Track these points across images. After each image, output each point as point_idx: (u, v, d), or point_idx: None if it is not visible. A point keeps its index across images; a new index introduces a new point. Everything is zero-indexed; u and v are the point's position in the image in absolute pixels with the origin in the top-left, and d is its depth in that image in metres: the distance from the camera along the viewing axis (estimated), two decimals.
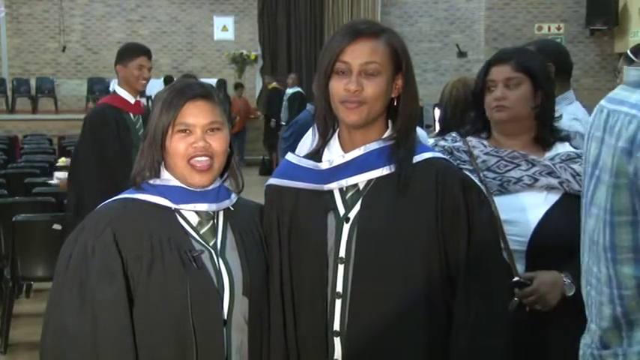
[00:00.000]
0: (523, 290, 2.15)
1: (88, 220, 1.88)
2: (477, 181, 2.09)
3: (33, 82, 15.48)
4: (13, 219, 5.06)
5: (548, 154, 2.32)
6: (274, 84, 14.16)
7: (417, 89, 1.90)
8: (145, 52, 4.49)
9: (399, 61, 1.86)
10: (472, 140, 2.40)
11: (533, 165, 2.28)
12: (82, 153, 4.46)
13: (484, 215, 1.87)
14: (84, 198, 4.23)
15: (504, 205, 2.24)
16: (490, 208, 1.94)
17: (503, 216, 2.22)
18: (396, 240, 1.83)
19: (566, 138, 2.38)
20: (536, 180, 2.26)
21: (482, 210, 1.86)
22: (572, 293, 2.14)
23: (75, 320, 1.78)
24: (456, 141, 2.42)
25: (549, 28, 14.17)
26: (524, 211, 2.26)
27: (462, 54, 14.67)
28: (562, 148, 2.33)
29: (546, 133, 2.33)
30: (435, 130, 4.73)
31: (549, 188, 2.26)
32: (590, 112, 3.17)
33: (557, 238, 2.18)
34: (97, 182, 4.16)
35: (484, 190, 2.01)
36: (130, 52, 4.48)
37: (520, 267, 2.22)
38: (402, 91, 1.87)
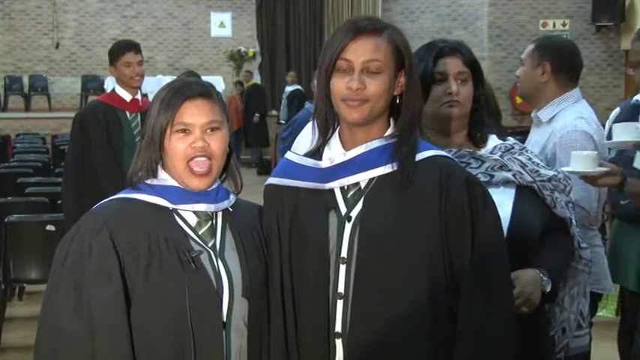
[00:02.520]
0: None
1: (84, 220, 1.86)
2: None
3: (26, 80, 15.47)
4: (6, 220, 5.03)
5: (486, 149, 2.27)
6: (252, 80, 14.80)
7: (419, 87, 1.89)
8: (130, 48, 4.47)
9: (402, 59, 1.85)
10: None
11: (483, 161, 2.23)
12: (70, 150, 4.55)
13: (489, 215, 1.85)
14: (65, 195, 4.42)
15: None
16: (495, 207, 1.88)
17: None
18: (399, 239, 1.81)
19: (491, 131, 2.34)
20: (492, 176, 2.21)
21: (486, 209, 1.84)
22: (549, 289, 2.15)
23: (71, 321, 1.76)
24: None
25: (554, 25, 14.16)
26: None
27: None
28: (493, 142, 2.29)
29: (481, 128, 2.28)
30: None
31: (504, 182, 2.21)
32: (594, 111, 3.03)
33: (529, 234, 2.18)
34: (76, 180, 4.30)
35: None
36: (115, 50, 4.50)
37: None
38: (405, 88, 1.86)
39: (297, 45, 16.32)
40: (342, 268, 1.84)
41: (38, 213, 5.32)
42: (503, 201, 2.16)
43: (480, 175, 2.15)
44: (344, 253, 1.85)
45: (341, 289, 1.84)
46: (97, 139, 4.35)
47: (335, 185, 1.88)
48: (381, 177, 1.85)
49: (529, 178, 2.21)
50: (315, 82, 2.03)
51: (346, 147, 1.89)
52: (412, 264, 1.80)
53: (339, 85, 1.82)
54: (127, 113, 4.46)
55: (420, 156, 1.86)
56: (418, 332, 1.80)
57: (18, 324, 5.37)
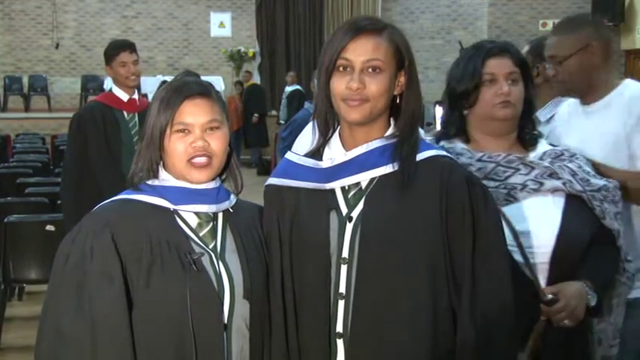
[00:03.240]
0: (553, 307, 2.07)
1: (85, 221, 1.85)
2: None
3: (26, 80, 15.45)
4: (5, 220, 5.01)
5: (534, 154, 2.24)
6: (252, 81, 14.77)
7: (419, 86, 1.88)
8: (124, 47, 4.45)
9: (402, 58, 1.85)
10: (452, 146, 2.23)
11: (532, 168, 2.18)
12: (67, 151, 4.56)
13: (490, 214, 1.84)
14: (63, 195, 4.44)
15: (515, 216, 2.13)
16: (496, 206, 1.89)
17: (517, 228, 2.11)
18: (400, 239, 1.80)
19: (541, 135, 2.32)
20: (542, 184, 2.16)
21: (487, 209, 1.84)
22: (594, 303, 2.10)
23: (72, 323, 1.75)
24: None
25: (554, 25, 14.03)
26: (538, 219, 2.14)
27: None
28: (542, 147, 2.26)
29: (530, 130, 2.25)
30: (436, 128, 4.70)
31: (553, 191, 2.16)
32: None
33: (578, 245, 2.13)
34: (75, 180, 4.30)
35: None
36: (110, 51, 4.48)
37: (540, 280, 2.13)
38: (405, 88, 1.86)
39: (297, 45, 16.31)
40: (344, 268, 1.84)
41: (38, 213, 5.31)
42: (552, 210, 2.13)
43: (529, 183, 2.13)
44: (345, 254, 1.84)
45: (342, 289, 1.84)
46: (95, 139, 4.34)
47: (336, 185, 1.88)
48: (381, 177, 1.85)
49: (579, 187, 2.16)
50: (315, 82, 2.02)
51: (347, 147, 1.89)
52: (413, 264, 1.80)
53: (339, 84, 1.82)
54: (125, 113, 4.45)
55: (420, 156, 1.86)
56: (419, 332, 1.80)
57: (18, 324, 5.35)
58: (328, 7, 16.04)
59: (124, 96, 4.45)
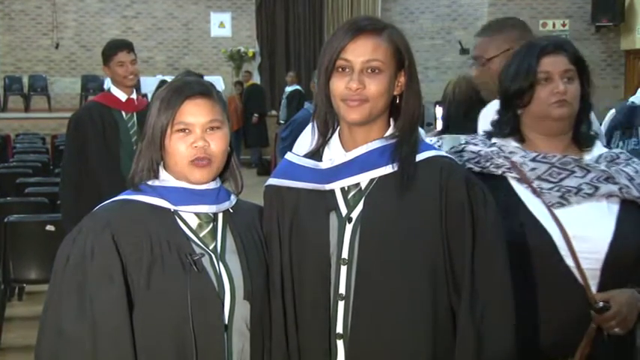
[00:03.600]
0: (604, 315, 2.01)
1: (85, 222, 1.85)
2: (529, 192, 2.06)
3: (26, 80, 15.44)
4: (5, 220, 5.02)
5: (590, 156, 2.15)
6: (252, 81, 14.82)
7: (419, 86, 1.87)
8: (122, 47, 4.44)
9: (402, 59, 1.85)
10: (505, 144, 2.17)
11: (588, 171, 2.09)
12: (65, 152, 4.55)
13: (489, 215, 1.83)
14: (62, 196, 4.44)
15: (569, 220, 2.04)
16: (495, 207, 1.86)
17: (570, 232, 2.03)
18: (400, 240, 1.80)
19: (597, 135, 2.22)
20: (597, 188, 2.07)
21: (487, 210, 1.83)
22: None
23: (73, 323, 1.75)
24: (489, 145, 2.18)
25: (554, 25, 14.16)
26: (591, 224, 2.05)
27: (464, 51, 14.60)
28: (598, 149, 2.18)
29: (588, 130, 2.16)
30: (435, 128, 4.72)
31: (608, 196, 2.08)
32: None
33: (632, 252, 2.05)
34: (73, 181, 4.31)
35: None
36: (108, 51, 4.47)
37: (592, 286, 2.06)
38: (405, 88, 1.86)
39: (297, 45, 16.31)
40: (343, 269, 1.84)
41: (38, 213, 5.32)
42: (606, 216, 2.07)
43: (583, 186, 2.06)
44: (345, 254, 1.84)
45: (342, 290, 1.84)
46: (93, 139, 4.34)
47: (335, 186, 1.87)
48: (381, 177, 1.85)
49: (636, 193, 2.08)
50: (315, 82, 2.01)
51: (346, 147, 1.89)
52: (413, 264, 1.80)
53: (339, 85, 1.81)
54: (123, 113, 4.44)
55: (420, 156, 1.85)
56: (419, 332, 1.80)
57: (18, 324, 5.34)
58: (328, 7, 16.03)
59: (122, 96, 4.44)
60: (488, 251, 1.81)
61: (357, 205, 1.86)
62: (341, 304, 1.84)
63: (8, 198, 6.02)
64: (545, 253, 2.02)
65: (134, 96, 4.48)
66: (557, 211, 2.04)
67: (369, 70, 1.80)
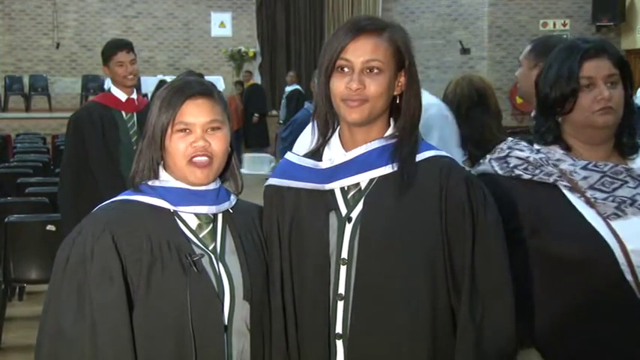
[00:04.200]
0: None
1: (85, 222, 1.85)
2: (582, 202, 1.94)
3: (26, 80, 15.46)
4: (6, 220, 5.01)
5: (635, 165, 2.03)
6: (252, 80, 14.88)
7: (420, 87, 1.86)
8: (121, 47, 4.42)
9: (402, 59, 1.84)
10: (550, 151, 2.06)
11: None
12: (65, 152, 4.55)
13: (489, 215, 1.82)
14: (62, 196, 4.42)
15: (626, 232, 1.92)
16: (495, 207, 1.85)
17: (628, 245, 1.91)
18: (400, 240, 1.79)
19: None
20: None
21: (487, 210, 1.82)
22: None
23: (73, 324, 1.75)
24: (535, 152, 2.08)
25: (554, 25, 14.14)
26: None
27: (465, 51, 14.61)
28: None
29: (630, 138, 2.03)
30: None
31: None
32: None
33: None
34: (73, 181, 4.29)
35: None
36: (107, 51, 4.45)
37: None
38: (405, 88, 1.85)
39: (297, 45, 16.29)
40: (343, 269, 1.83)
41: (38, 213, 5.30)
42: None
43: (638, 197, 1.95)
44: (344, 254, 1.84)
45: (341, 290, 1.83)
46: (93, 140, 4.32)
47: (335, 186, 1.87)
48: (381, 177, 1.84)
49: None
50: (315, 82, 2.00)
51: (346, 147, 1.88)
52: (412, 264, 1.79)
53: (339, 85, 1.81)
54: (123, 113, 4.42)
55: (420, 156, 1.85)
56: (418, 333, 1.80)
57: (18, 324, 5.33)
58: (328, 7, 16.02)
59: (122, 96, 4.41)
60: (488, 251, 1.81)
61: (356, 205, 1.85)
62: (340, 304, 1.83)
63: (9, 198, 6.02)
64: (604, 265, 1.91)
65: (134, 96, 4.47)
66: (613, 223, 1.93)
67: (369, 70, 1.80)
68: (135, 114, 4.42)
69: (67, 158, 4.43)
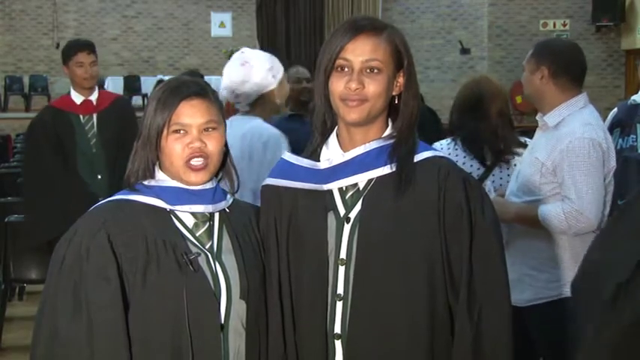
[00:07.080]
0: None
1: (81, 222, 1.85)
2: None
3: (26, 80, 15.42)
4: (6, 220, 5.04)
5: None
6: None
7: (418, 87, 1.87)
8: (82, 48, 4.34)
9: (401, 59, 1.85)
10: None
11: None
12: (23, 156, 4.66)
13: (487, 216, 1.83)
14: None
15: None
16: (492, 207, 1.87)
17: None
18: (398, 240, 1.80)
19: None
20: None
21: (484, 210, 1.83)
22: None
23: (69, 324, 1.75)
24: None
25: (554, 25, 14.13)
26: None
27: (465, 51, 14.59)
28: None
29: None
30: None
31: None
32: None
33: None
34: (33, 185, 4.27)
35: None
36: (67, 50, 4.36)
37: None
38: (404, 89, 1.86)
39: (297, 45, 16.28)
40: (341, 269, 1.84)
41: None
42: None
43: None
44: (343, 255, 1.84)
45: (340, 290, 1.84)
46: (45, 145, 4.25)
47: (333, 186, 1.87)
48: (379, 178, 1.84)
49: None
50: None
51: (344, 147, 1.88)
52: (411, 265, 1.80)
53: (338, 84, 1.81)
54: (80, 116, 4.33)
55: (418, 157, 1.85)
56: (417, 333, 1.80)
57: (18, 324, 5.34)
58: (328, 7, 16.00)
59: (78, 98, 4.34)
60: (485, 251, 1.82)
61: (355, 205, 1.85)
62: (339, 305, 1.84)
63: (8, 198, 6.00)
64: None
65: (93, 97, 4.37)
66: None
67: (369, 70, 1.80)
68: (94, 115, 4.34)
69: (25, 163, 4.47)
